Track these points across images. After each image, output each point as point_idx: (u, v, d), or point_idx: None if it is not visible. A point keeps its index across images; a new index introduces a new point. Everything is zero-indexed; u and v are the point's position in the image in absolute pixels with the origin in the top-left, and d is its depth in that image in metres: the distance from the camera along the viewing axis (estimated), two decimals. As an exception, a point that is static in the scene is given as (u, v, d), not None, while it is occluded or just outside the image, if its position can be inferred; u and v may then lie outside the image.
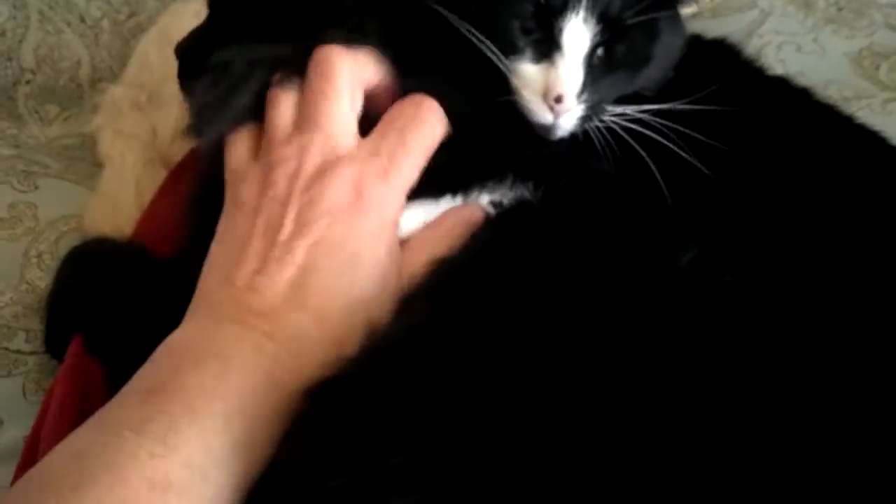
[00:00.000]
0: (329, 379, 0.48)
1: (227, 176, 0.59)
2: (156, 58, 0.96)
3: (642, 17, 0.61)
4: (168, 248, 0.70)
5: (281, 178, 0.55)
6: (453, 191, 0.58)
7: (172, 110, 0.92)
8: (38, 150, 1.02)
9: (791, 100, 0.72)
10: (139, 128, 0.93)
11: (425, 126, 0.58)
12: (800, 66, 1.18)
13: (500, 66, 0.60)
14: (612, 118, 0.61)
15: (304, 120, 0.57)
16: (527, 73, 0.60)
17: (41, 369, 0.77)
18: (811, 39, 1.23)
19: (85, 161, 1.00)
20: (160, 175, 0.87)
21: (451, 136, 0.58)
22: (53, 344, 0.71)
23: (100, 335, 0.65)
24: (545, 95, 0.60)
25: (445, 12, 0.59)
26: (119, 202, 0.89)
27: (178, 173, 0.84)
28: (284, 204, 0.54)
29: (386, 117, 0.58)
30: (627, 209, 0.58)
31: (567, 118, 0.60)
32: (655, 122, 0.60)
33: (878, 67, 1.19)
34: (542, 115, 0.60)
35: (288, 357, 0.51)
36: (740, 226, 0.60)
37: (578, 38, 0.60)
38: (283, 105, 0.58)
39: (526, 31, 0.60)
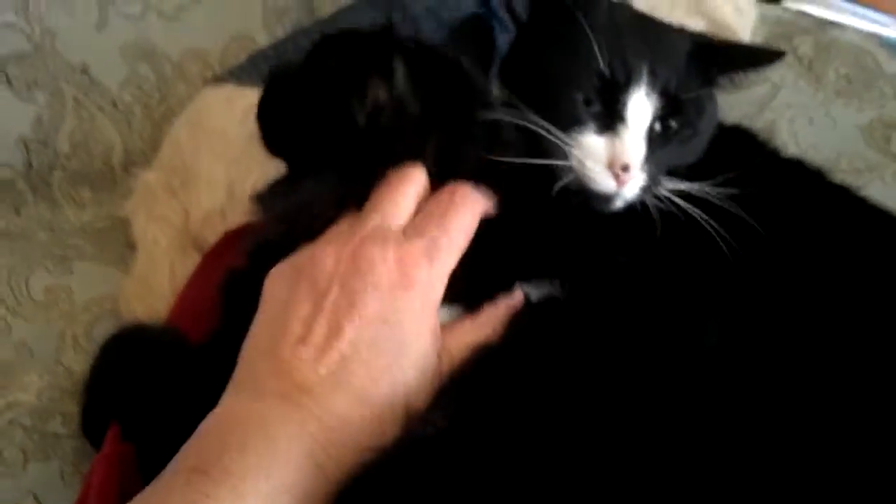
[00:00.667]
0: (360, 478, 0.49)
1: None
2: (188, 142, 0.98)
3: (694, 94, 0.65)
4: (203, 331, 0.72)
5: (331, 250, 0.56)
6: (479, 296, 0.60)
7: (204, 194, 0.95)
8: (72, 233, 1.04)
9: (807, 182, 0.74)
10: (172, 212, 0.95)
11: (462, 211, 0.59)
12: (812, 139, 1.20)
13: (560, 140, 0.63)
14: (667, 192, 0.63)
15: (368, 205, 0.59)
16: (591, 144, 0.63)
17: (78, 453, 0.78)
18: (822, 112, 1.26)
19: (118, 244, 1.02)
20: (193, 258, 0.89)
21: (478, 238, 0.60)
22: (90, 430, 0.72)
23: (135, 423, 0.66)
24: (611, 165, 0.62)
25: (509, 97, 0.64)
26: (153, 285, 0.91)
27: (211, 257, 0.86)
28: (332, 276, 0.55)
29: (425, 205, 0.60)
30: (655, 299, 0.60)
31: (630, 187, 0.63)
32: (706, 198, 0.63)
33: (888, 139, 1.21)
34: (606, 183, 0.63)
35: (328, 440, 0.51)
36: (763, 308, 0.62)
37: (642, 110, 0.63)
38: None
39: (587, 104, 0.63)
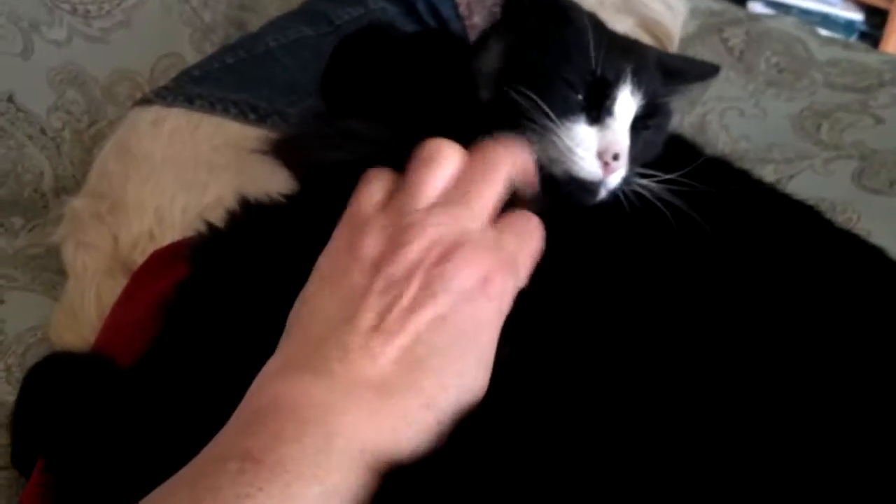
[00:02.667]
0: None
1: (348, 217, 0.57)
2: (114, 167, 0.98)
3: (666, 98, 0.70)
4: (130, 355, 0.72)
5: (416, 242, 0.53)
6: None
7: (133, 219, 0.95)
8: (4, 262, 1.04)
9: (733, 181, 0.77)
10: (100, 238, 0.95)
11: (535, 240, 0.58)
12: (743, 131, 1.22)
13: (553, 126, 0.65)
14: (640, 185, 0.67)
15: (457, 194, 0.57)
16: (582, 134, 0.66)
17: (12, 484, 0.78)
18: (753, 104, 1.27)
19: (51, 271, 1.02)
20: (122, 283, 0.88)
21: None
22: (20, 461, 0.72)
23: (57, 454, 0.66)
24: (602, 154, 0.65)
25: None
26: (81, 313, 0.91)
27: (137, 280, 0.86)
28: (413, 269, 0.52)
29: (502, 221, 0.58)
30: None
31: (615, 176, 0.66)
32: (665, 193, 0.66)
33: (818, 127, 1.22)
34: (594, 172, 0.66)
35: (387, 444, 0.48)
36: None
37: (627, 107, 0.67)
38: (440, 171, 0.57)
39: (578, 97, 0.67)
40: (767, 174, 1.09)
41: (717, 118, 1.24)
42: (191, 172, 0.96)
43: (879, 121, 1.21)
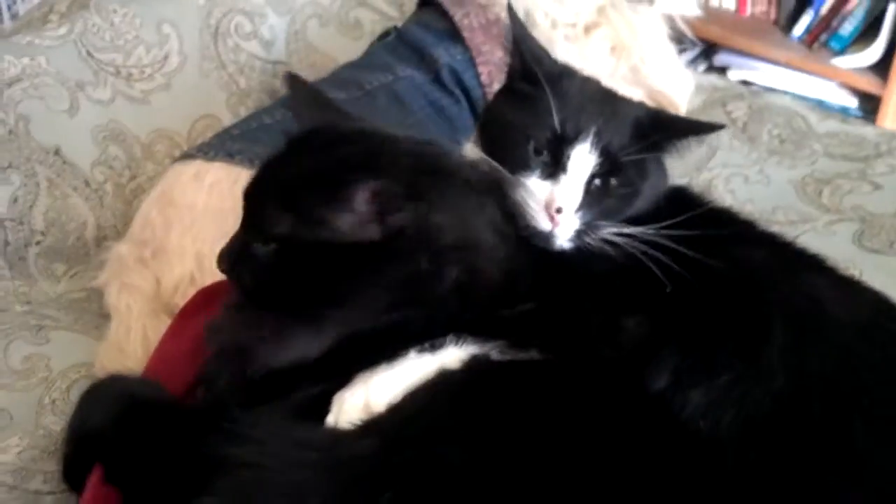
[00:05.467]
0: None
1: None
2: (157, 216, 1.04)
3: (635, 157, 0.74)
4: (177, 386, 0.76)
5: None
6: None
7: (175, 263, 1.00)
8: (48, 305, 1.09)
9: (739, 227, 0.82)
10: (143, 280, 1.01)
11: None
12: (748, 195, 1.28)
13: (510, 179, 0.72)
14: (609, 235, 0.72)
15: None
16: (534, 187, 0.72)
17: (61, 505, 0.82)
18: (757, 170, 1.34)
19: (91, 313, 1.07)
20: (165, 323, 0.93)
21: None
22: (72, 476, 0.75)
23: (118, 465, 0.70)
24: (547, 207, 0.71)
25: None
26: (127, 348, 0.95)
27: (184, 316, 0.90)
28: None
29: None
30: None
31: (563, 229, 0.72)
32: (646, 240, 0.71)
33: (820, 192, 1.28)
34: (543, 222, 0.72)
35: None
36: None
37: (582, 164, 0.72)
38: None
39: (537, 153, 0.73)
40: (772, 235, 1.15)
41: (722, 183, 1.30)
42: (230, 222, 1.01)
43: (878, 187, 1.27)
